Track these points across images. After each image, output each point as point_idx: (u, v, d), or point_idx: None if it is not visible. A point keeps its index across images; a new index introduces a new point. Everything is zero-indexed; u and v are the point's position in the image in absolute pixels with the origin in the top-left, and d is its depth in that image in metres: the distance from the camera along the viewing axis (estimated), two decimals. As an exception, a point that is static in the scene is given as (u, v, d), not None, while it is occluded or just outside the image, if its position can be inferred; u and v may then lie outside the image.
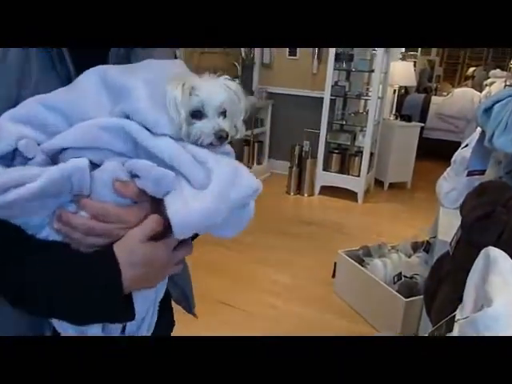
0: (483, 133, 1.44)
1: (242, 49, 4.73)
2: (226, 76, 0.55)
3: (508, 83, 5.62)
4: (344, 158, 4.44)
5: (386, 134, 4.68)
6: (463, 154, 2.17)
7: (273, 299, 2.57)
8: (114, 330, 0.56)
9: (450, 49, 9.89)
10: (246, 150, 4.72)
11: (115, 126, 0.49)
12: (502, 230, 1.08)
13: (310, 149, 4.41)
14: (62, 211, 0.49)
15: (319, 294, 2.65)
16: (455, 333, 0.88)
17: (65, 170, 0.47)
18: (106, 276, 0.50)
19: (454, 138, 5.75)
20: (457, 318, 0.97)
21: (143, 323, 0.58)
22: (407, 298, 2.17)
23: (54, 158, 0.50)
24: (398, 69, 4.81)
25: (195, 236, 0.55)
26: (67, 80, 0.53)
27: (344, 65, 4.27)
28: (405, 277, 2.35)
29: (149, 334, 0.60)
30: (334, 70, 4.19)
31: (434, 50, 8.65)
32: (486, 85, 6.26)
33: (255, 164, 4.89)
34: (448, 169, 2.32)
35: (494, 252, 0.92)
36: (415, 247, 2.71)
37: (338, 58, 4.15)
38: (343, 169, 4.43)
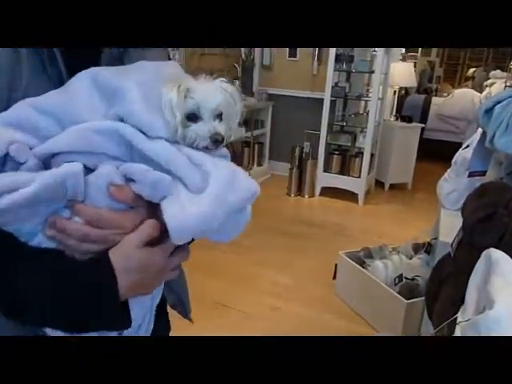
0: (484, 134, 1.44)
1: (242, 50, 4.73)
2: (222, 78, 0.54)
3: (508, 84, 5.62)
4: (344, 159, 4.44)
5: (386, 135, 4.67)
6: (464, 154, 2.16)
7: (273, 301, 2.56)
8: None
9: (449, 50, 9.90)
10: (246, 152, 4.71)
11: (109, 130, 0.48)
12: (504, 232, 1.08)
13: (311, 150, 4.40)
14: (55, 217, 0.48)
15: (320, 296, 2.64)
16: (457, 335, 0.88)
17: (58, 175, 0.46)
18: (102, 283, 0.48)
19: (455, 138, 5.75)
20: (458, 320, 0.96)
21: (140, 330, 0.57)
22: (408, 299, 2.17)
23: (47, 162, 0.49)
24: (398, 70, 4.81)
25: (191, 241, 0.54)
26: (59, 82, 0.52)
27: (344, 66, 4.27)
28: (406, 278, 2.34)
29: None
30: (334, 71, 4.18)
31: (434, 51, 8.65)
32: (487, 85, 6.26)
33: (255, 165, 4.89)
34: (449, 170, 2.32)
35: (496, 254, 0.92)
36: (416, 248, 2.70)
37: (338, 59, 4.14)
38: (344, 170, 4.43)
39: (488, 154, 1.50)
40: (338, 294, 2.64)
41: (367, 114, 4.26)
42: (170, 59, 0.70)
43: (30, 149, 0.48)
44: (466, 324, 0.86)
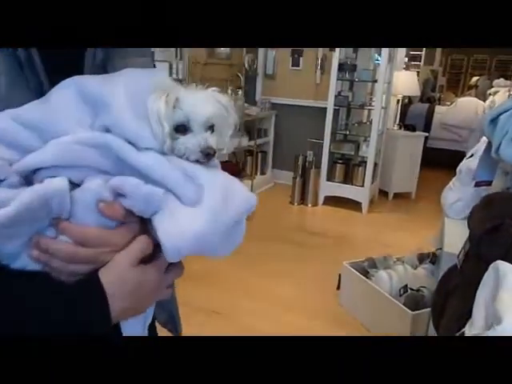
0: (490, 143, 1.42)
1: (245, 59, 4.75)
2: (214, 88, 0.52)
3: (512, 92, 5.61)
4: (348, 168, 4.43)
5: (389, 143, 4.66)
6: (468, 164, 2.15)
7: (276, 310, 2.54)
8: None
9: (452, 58, 9.92)
10: (249, 161, 4.71)
11: (96, 141, 0.45)
12: (511, 244, 1.06)
13: (314, 159, 4.40)
14: (39, 237, 0.44)
15: (324, 306, 2.61)
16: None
17: (41, 191, 0.42)
18: (92, 308, 0.45)
19: (458, 147, 5.74)
20: (466, 334, 0.94)
21: None
22: (414, 311, 2.14)
23: (29, 178, 0.45)
24: (401, 79, 4.81)
25: None
26: (39, 93, 0.50)
27: (347, 75, 4.27)
28: (411, 289, 2.31)
29: None
30: (337, 80, 4.18)
31: (436, 60, 8.67)
32: (490, 94, 6.26)
33: (259, 174, 4.88)
34: (453, 179, 2.30)
35: (504, 266, 0.90)
36: (421, 258, 2.68)
37: (341, 68, 4.15)
38: (347, 179, 4.41)
39: (494, 163, 1.49)
40: (343, 305, 2.61)
41: (370, 122, 4.25)
42: (154, 67, 0.67)
43: (10, 164, 0.45)
44: (474, 339, 0.84)
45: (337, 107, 4.30)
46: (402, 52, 5.18)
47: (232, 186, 0.49)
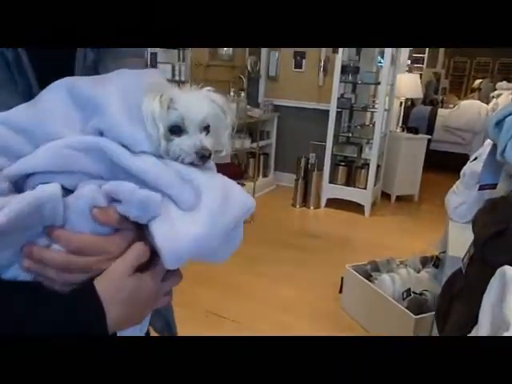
0: (495, 146, 1.41)
1: (248, 61, 4.75)
2: (209, 88, 0.50)
3: (515, 95, 5.59)
4: (350, 170, 4.42)
5: (392, 146, 4.65)
6: (472, 167, 2.14)
7: (278, 314, 2.52)
8: None
9: (455, 61, 9.91)
10: (251, 163, 4.70)
11: (90, 145, 0.43)
12: (517, 248, 1.05)
13: (316, 161, 4.38)
14: (31, 246, 0.42)
15: (326, 309, 2.59)
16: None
17: (33, 198, 0.40)
18: (88, 320, 0.43)
19: (461, 150, 5.72)
20: (471, 340, 0.93)
21: None
22: (417, 314, 2.12)
23: (19, 184, 0.43)
24: (404, 81, 4.80)
25: None
26: (28, 96, 0.48)
27: (350, 77, 4.27)
28: (414, 293, 2.30)
29: None
30: (340, 82, 4.18)
31: (439, 63, 8.67)
32: (493, 97, 6.24)
33: (261, 176, 4.88)
34: (457, 182, 2.29)
35: (511, 271, 0.89)
36: (424, 262, 2.66)
37: (343, 70, 4.14)
38: (349, 181, 4.40)
39: (499, 166, 1.47)
40: (345, 308, 2.60)
41: (373, 125, 4.25)
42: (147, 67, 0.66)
43: (0, 170, 0.43)
44: (480, 345, 0.83)
45: (339, 109, 4.30)
46: (404, 54, 5.18)
47: (230, 189, 0.47)
